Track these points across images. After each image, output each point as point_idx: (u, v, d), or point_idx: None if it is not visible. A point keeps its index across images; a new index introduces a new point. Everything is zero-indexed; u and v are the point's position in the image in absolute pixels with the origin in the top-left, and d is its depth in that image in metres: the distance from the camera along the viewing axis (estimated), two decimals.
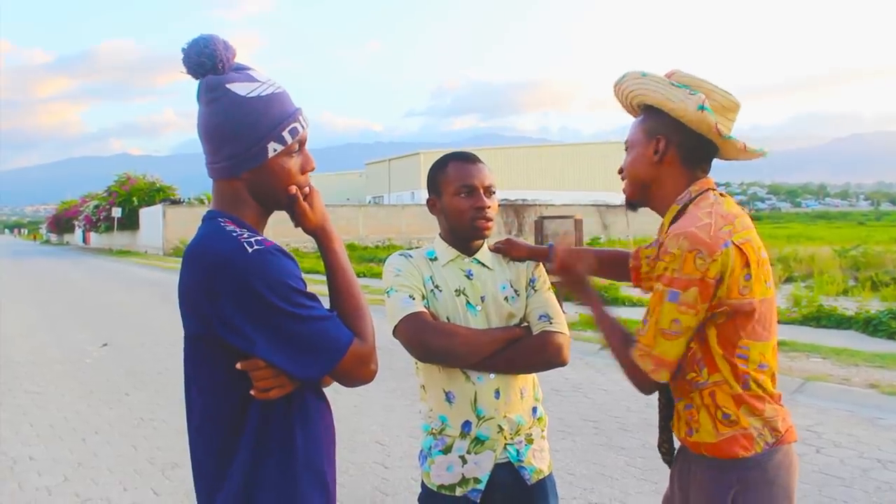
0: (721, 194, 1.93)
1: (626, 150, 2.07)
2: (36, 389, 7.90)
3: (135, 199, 50.01)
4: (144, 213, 47.80)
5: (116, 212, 49.76)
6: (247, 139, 1.56)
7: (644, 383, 1.90)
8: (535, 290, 2.32)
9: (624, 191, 2.09)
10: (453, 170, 2.26)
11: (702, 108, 1.85)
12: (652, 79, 1.94)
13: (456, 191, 2.24)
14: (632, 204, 2.09)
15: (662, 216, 2.00)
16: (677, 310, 1.78)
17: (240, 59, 1.64)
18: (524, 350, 2.20)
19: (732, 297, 1.79)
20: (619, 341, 1.95)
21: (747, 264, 1.80)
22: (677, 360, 1.85)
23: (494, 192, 2.27)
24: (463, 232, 2.27)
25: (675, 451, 2.08)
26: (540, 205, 41.82)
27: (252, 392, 1.52)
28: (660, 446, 2.09)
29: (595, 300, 2.09)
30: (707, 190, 1.93)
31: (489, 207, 2.23)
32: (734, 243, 1.78)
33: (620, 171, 2.09)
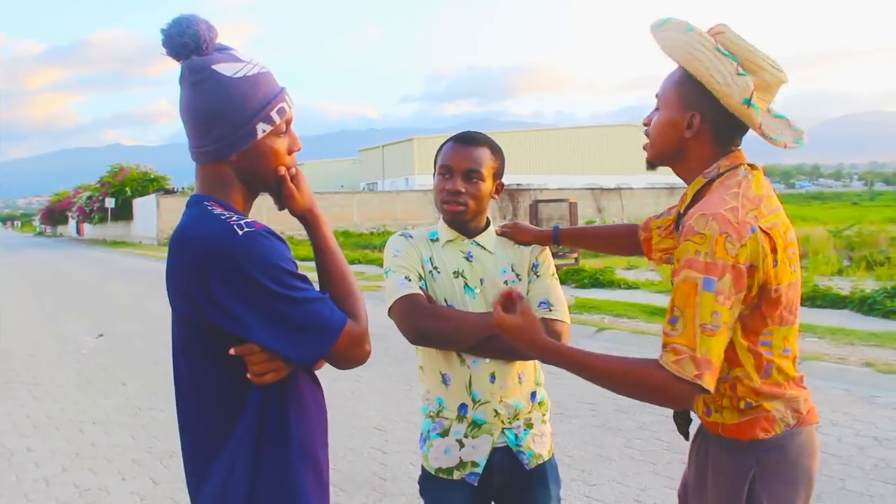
0: (752, 166, 1.83)
1: (656, 104, 1.92)
2: (32, 381, 7.88)
3: (128, 189, 49.83)
4: (138, 203, 47.64)
5: (110, 202, 49.59)
6: (235, 120, 1.53)
7: (685, 395, 1.62)
8: (538, 276, 2.29)
9: (646, 148, 1.95)
10: (444, 149, 2.25)
11: (748, 102, 1.73)
12: (697, 39, 1.76)
13: (438, 170, 2.25)
14: (652, 165, 1.97)
15: (686, 184, 1.91)
16: (715, 300, 1.60)
17: (235, 46, 1.62)
18: None
19: (768, 284, 1.69)
20: (631, 365, 1.69)
21: (774, 249, 1.70)
22: (720, 365, 1.63)
23: (479, 179, 2.20)
24: (440, 212, 2.27)
25: (695, 427, 2.00)
26: (535, 189, 41.80)
27: (248, 376, 1.51)
28: (674, 417, 2.02)
29: (560, 348, 1.82)
30: (738, 165, 1.82)
31: (462, 192, 2.19)
32: (761, 228, 1.68)
33: (647, 124, 1.94)
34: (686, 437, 2.03)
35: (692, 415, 1.98)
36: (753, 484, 1.77)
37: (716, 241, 1.61)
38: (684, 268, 1.65)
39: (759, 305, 1.72)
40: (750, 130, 1.85)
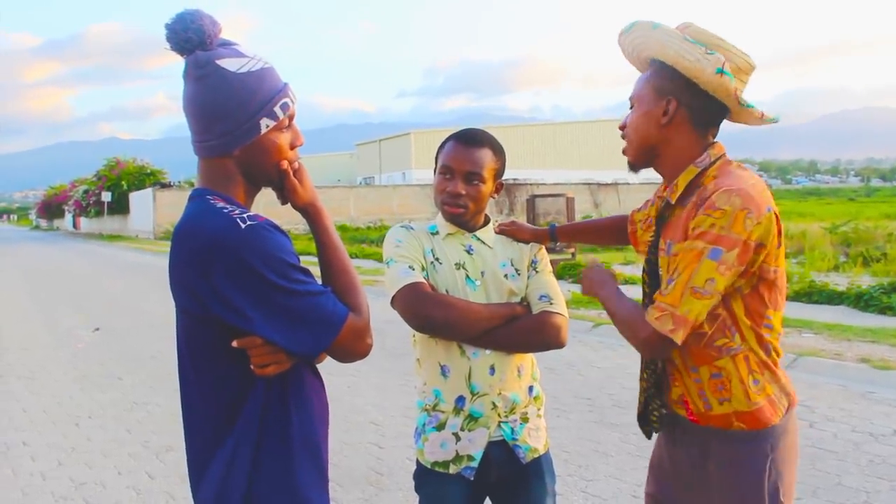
0: (730, 162, 1.86)
1: (630, 106, 1.95)
2: (28, 375, 7.87)
3: (124, 183, 49.73)
4: (135, 197, 47.52)
5: (106, 196, 49.49)
6: (239, 116, 1.54)
7: (658, 346, 1.76)
8: (537, 272, 2.32)
9: (625, 152, 1.98)
10: (446, 148, 2.26)
11: (720, 71, 1.75)
12: (664, 32, 1.82)
13: (439, 170, 2.26)
14: (634, 167, 1.99)
15: (669, 180, 1.92)
16: (716, 269, 1.67)
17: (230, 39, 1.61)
18: (523, 329, 2.18)
19: (768, 264, 1.74)
20: (628, 307, 1.87)
21: (780, 232, 1.75)
22: (697, 324, 1.73)
23: (480, 181, 2.21)
24: (440, 211, 2.28)
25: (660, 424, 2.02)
26: (531, 184, 41.78)
27: (252, 367, 1.51)
28: (646, 416, 2.03)
29: (614, 288, 2.01)
30: (723, 156, 1.85)
31: (463, 194, 2.20)
32: (773, 210, 1.73)
33: (622, 128, 1.97)
34: (648, 436, 2.08)
35: (658, 414, 2.00)
36: (770, 471, 1.79)
37: (735, 216, 1.67)
38: (694, 238, 1.71)
39: (757, 286, 1.77)
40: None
